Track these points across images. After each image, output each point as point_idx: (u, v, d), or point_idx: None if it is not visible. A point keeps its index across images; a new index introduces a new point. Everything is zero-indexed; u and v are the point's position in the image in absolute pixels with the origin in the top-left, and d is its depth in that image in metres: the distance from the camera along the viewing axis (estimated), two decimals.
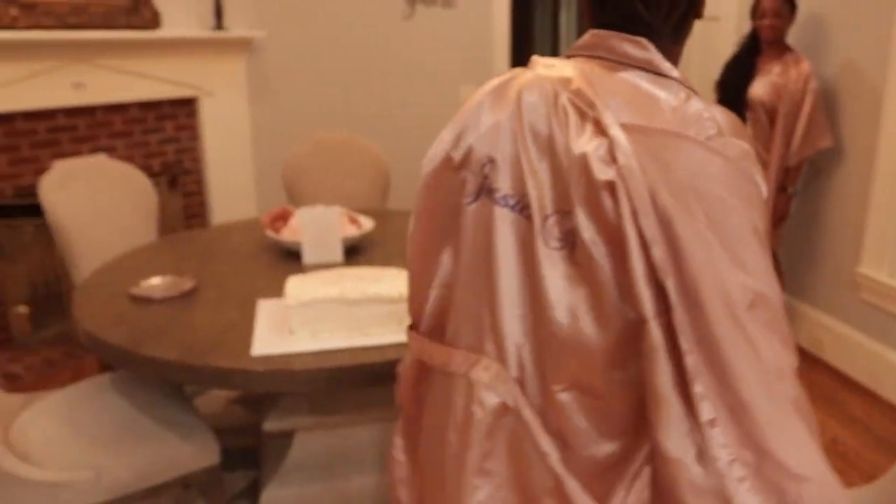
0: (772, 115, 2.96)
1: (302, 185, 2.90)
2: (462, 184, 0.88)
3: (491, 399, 0.84)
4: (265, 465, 1.85)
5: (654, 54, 0.84)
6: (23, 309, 3.07)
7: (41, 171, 2.64)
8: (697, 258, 0.70)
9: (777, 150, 2.94)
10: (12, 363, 2.96)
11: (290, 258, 2.09)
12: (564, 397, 0.80)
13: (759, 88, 2.98)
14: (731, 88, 3.09)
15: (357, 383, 1.46)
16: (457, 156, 0.89)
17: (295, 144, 3.10)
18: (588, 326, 0.77)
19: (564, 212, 0.78)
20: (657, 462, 0.73)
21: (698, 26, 0.95)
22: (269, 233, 2.13)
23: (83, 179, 2.39)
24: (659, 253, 0.71)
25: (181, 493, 1.97)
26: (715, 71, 3.24)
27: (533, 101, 0.84)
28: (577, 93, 0.81)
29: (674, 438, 0.71)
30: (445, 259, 0.93)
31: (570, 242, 0.78)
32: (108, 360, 1.63)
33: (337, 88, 4.10)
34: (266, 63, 3.89)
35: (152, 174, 3.50)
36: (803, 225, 3.23)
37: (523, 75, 0.88)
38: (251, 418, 2.22)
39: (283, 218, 2.18)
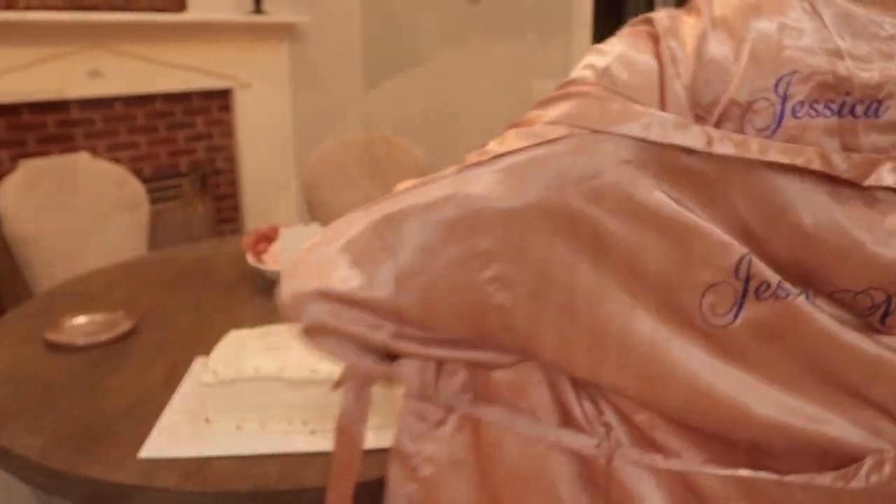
0: None
1: (324, 194, 2.44)
2: (709, 304, 0.58)
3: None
4: None
5: None
6: None
7: None
8: None
9: None
10: None
11: (272, 292, 1.63)
12: None
13: None
14: None
15: None
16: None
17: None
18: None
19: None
20: None
21: None
22: (250, 258, 1.68)
23: (55, 183, 2.02)
24: None
25: None
26: None
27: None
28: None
29: None
30: None
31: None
32: None
33: (391, 81, 3.65)
34: (312, 52, 3.48)
35: (179, 174, 3.16)
36: None
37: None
38: None
39: (269, 238, 1.72)
